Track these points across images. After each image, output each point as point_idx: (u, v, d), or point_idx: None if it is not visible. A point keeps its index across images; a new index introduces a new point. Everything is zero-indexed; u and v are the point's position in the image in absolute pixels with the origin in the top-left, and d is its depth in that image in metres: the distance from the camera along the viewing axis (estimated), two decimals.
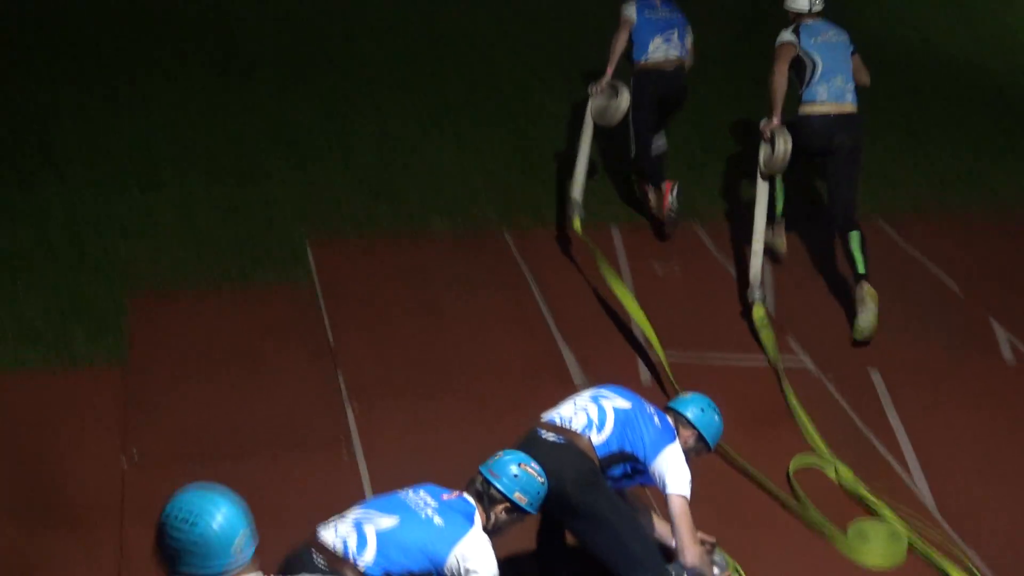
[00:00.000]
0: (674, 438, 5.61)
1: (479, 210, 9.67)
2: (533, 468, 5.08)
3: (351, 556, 4.74)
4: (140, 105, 11.02)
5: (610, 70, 9.15)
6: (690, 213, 9.69)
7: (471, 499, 5.01)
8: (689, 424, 5.72)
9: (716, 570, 5.75)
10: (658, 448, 5.53)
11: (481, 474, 5.06)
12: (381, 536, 4.78)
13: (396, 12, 13.43)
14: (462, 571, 4.77)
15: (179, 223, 9.27)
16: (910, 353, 8.27)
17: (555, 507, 5.37)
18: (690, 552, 5.49)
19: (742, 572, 6.05)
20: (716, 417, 5.78)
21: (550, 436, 5.53)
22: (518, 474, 5.02)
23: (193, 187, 9.74)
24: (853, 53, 8.66)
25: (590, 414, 5.61)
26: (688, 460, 5.62)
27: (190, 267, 8.75)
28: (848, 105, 8.49)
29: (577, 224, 8.95)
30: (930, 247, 9.53)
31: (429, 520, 4.83)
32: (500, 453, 5.14)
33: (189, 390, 7.50)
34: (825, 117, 8.44)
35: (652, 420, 5.63)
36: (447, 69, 12.02)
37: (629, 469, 5.62)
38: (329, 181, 9.94)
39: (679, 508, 5.48)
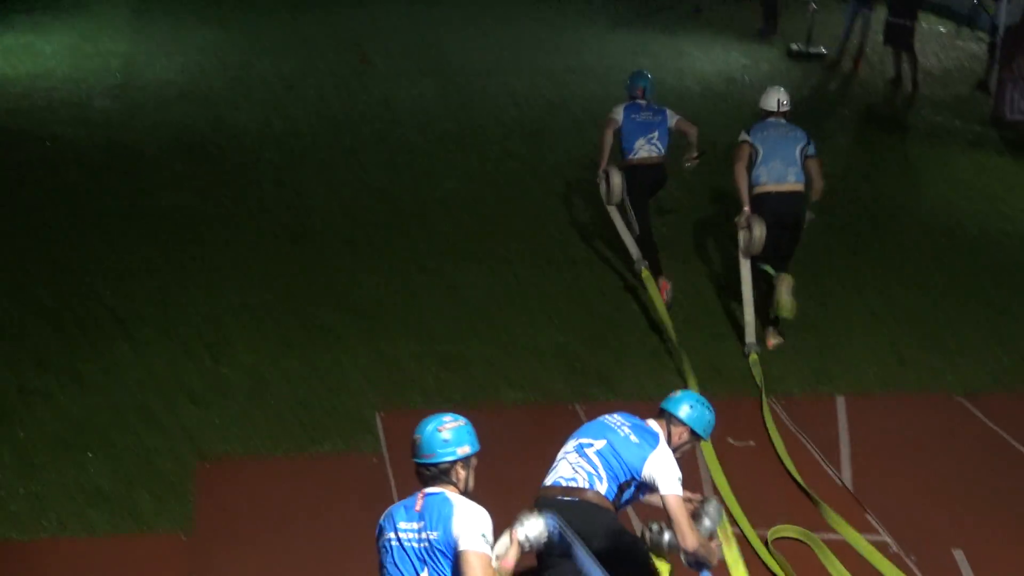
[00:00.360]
0: (655, 443, 6.22)
1: (548, 380, 9.58)
2: (448, 423, 5.36)
3: None
4: (212, 272, 11.19)
5: (602, 163, 11.01)
6: (766, 389, 9.58)
7: (435, 489, 5.29)
8: (680, 422, 6.34)
9: (707, 522, 6.32)
10: (642, 460, 6.15)
11: (420, 464, 5.33)
12: None
13: (467, 184, 13.63)
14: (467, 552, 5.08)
15: (248, 390, 9.27)
16: (995, 532, 7.98)
17: (566, 555, 5.86)
18: (689, 540, 6.07)
19: (728, 529, 6.85)
20: (706, 410, 6.40)
21: (565, 498, 6.09)
22: (447, 437, 5.31)
23: (262, 354, 9.76)
24: (810, 156, 10.09)
25: (587, 468, 6.18)
26: (681, 453, 6.34)
27: (257, 434, 8.71)
28: (787, 184, 9.99)
29: (645, 273, 10.66)
30: (1013, 423, 9.26)
31: (426, 544, 5.17)
32: (416, 437, 5.33)
33: (253, 559, 7.39)
34: (769, 195, 9.95)
35: (628, 440, 6.23)
36: (517, 241, 12.10)
37: (635, 488, 6.23)
38: (398, 350, 9.92)
39: (674, 504, 6.09)
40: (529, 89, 17.60)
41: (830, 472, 8.55)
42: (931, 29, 21.32)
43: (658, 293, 10.48)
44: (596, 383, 9.63)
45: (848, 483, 8.41)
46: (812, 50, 20.25)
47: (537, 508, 5.90)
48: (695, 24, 22.67)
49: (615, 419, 6.40)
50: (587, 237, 12.23)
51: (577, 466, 6.20)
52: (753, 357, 9.89)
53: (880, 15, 19.34)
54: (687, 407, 6.36)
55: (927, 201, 13.85)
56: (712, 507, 6.42)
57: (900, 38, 18.51)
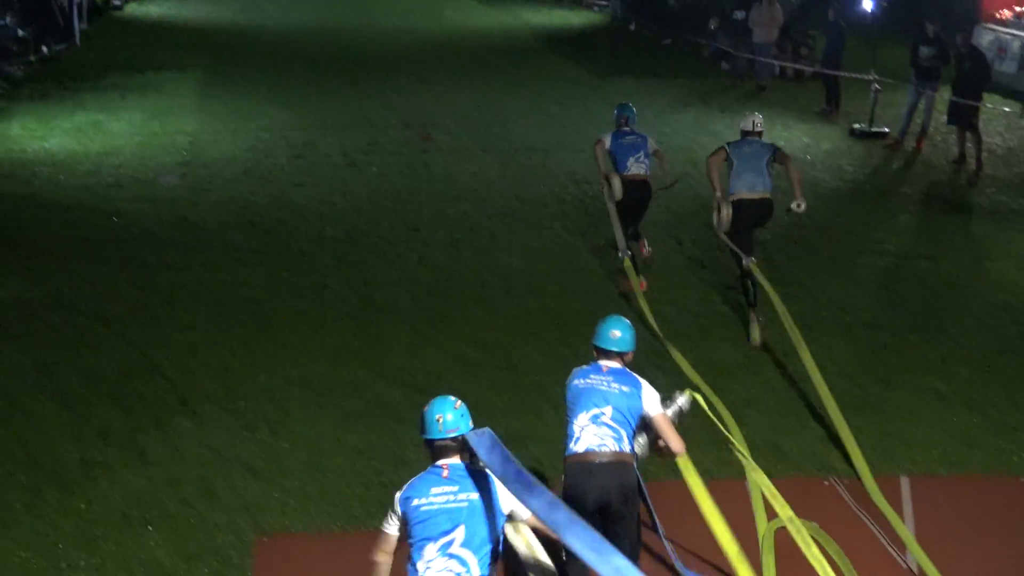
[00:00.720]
0: (637, 382, 7.45)
1: None
2: (456, 403, 6.28)
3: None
4: (272, 347, 11.28)
5: (603, 170, 13.07)
6: (827, 469, 9.46)
7: (454, 459, 6.14)
8: (627, 353, 7.63)
9: (676, 407, 7.76)
10: (639, 400, 7.39)
11: (446, 439, 6.14)
12: (465, 545, 5.98)
13: (526, 261, 13.66)
14: (514, 513, 6.12)
15: (307, 465, 9.28)
16: None
17: (601, 508, 7.24)
18: (677, 443, 7.47)
19: (699, 397, 7.99)
20: (631, 329, 7.69)
21: (602, 460, 7.25)
22: (463, 413, 6.22)
23: (321, 429, 9.79)
24: (774, 158, 12.12)
25: (609, 433, 7.31)
26: None
27: (316, 509, 8.70)
28: (756, 193, 12.08)
29: (627, 263, 12.78)
30: None
31: (464, 504, 6.01)
32: (439, 417, 6.16)
33: None
34: (741, 201, 12.07)
35: (623, 393, 7.38)
36: (576, 317, 12.04)
37: (638, 428, 7.48)
38: None
39: (662, 421, 7.46)
40: (589, 167, 17.63)
41: (895, 555, 8.41)
42: (995, 108, 21.24)
43: (637, 280, 12.62)
44: (659, 466, 9.52)
45: (913, 566, 8.26)
46: (875, 129, 20.25)
47: (578, 473, 7.26)
48: (757, 103, 22.71)
49: (600, 380, 7.46)
50: (647, 316, 12.19)
51: (601, 435, 7.29)
52: (755, 268, 11.89)
53: (944, 95, 19.33)
54: (626, 339, 7.63)
55: (991, 280, 13.73)
56: (681, 397, 7.84)
57: (964, 117, 18.47)
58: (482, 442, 6.01)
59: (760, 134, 12.43)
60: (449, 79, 24.48)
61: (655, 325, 11.77)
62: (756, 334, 11.76)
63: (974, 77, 18.53)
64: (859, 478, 9.30)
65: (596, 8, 34.95)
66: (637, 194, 12.93)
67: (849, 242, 14.87)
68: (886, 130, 20.17)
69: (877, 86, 20.35)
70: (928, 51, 19.21)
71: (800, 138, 20.09)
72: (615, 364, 7.56)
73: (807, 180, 17.21)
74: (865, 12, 22.13)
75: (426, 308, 12.29)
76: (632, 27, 31.44)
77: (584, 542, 5.08)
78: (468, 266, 13.55)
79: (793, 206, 12.11)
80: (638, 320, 11.48)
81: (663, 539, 7.67)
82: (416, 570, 5.97)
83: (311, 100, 22.15)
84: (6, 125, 19.48)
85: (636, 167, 12.85)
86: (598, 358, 7.63)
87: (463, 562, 5.94)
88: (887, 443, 9.91)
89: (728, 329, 12.02)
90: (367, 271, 13.30)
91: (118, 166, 17.27)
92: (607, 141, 13.07)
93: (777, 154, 12.16)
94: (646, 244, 13.51)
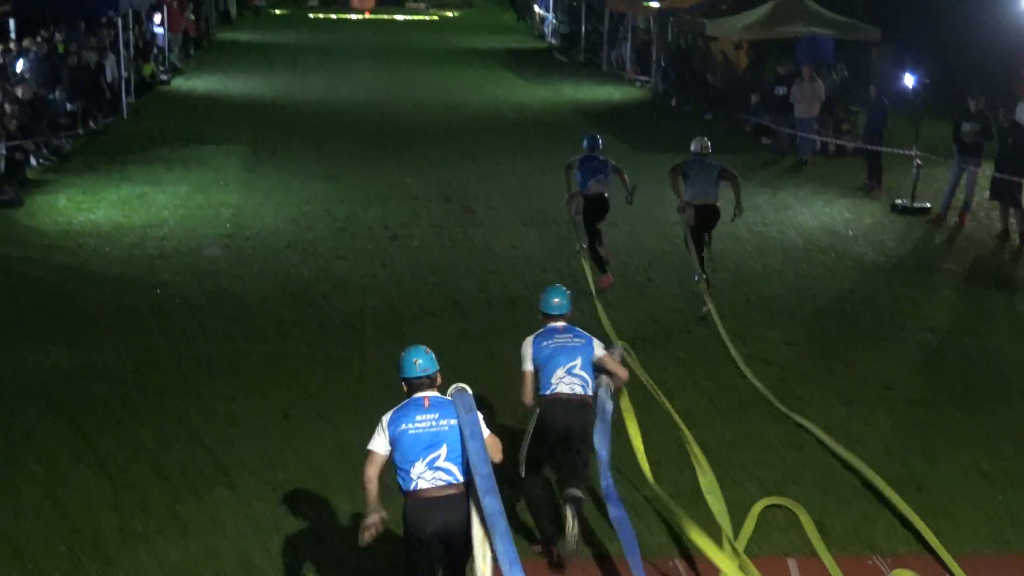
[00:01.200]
0: (588, 336, 9.21)
1: (648, 534, 9.43)
2: (424, 348, 7.71)
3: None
4: (313, 418, 11.30)
5: (569, 190, 15.74)
6: (871, 547, 9.35)
7: (431, 392, 7.57)
8: (569, 312, 9.33)
9: (616, 353, 9.54)
10: (591, 350, 9.13)
11: (421, 377, 7.57)
12: (448, 459, 7.36)
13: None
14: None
15: (347, 537, 9.23)
16: None
17: (565, 439, 8.96)
18: (624, 372, 9.38)
19: (630, 351, 10.54)
20: (568, 295, 9.40)
21: (571, 399, 8.95)
22: (432, 356, 7.66)
23: (362, 501, 9.70)
24: (721, 174, 14.99)
25: (579, 382, 9.00)
26: None
27: None
28: (708, 200, 14.97)
29: (584, 262, 15.69)
30: None
31: (444, 429, 7.37)
32: (415, 360, 7.60)
33: None
34: (694, 206, 14.90)
35: (582, 347, 9.09)
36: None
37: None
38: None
39: (609, 360, 9.24)
40: (631, 240, 17.73)
41: None
42: None
43: (591, 267, 15.61)
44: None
45: None
46: (917, 205, 20.19)
47: (550, 404, 8.95)
48: (799, 178, 22.76)
49: (566, 339, 9.09)
50: (686, 391, 12.13)
51: (572, 382, 8.96)
52: (701, 285, 14.76)
53: (986, 170, 19.29)
54: (560, 301, 9.27)
55: None
56: (617, 348, 9.80)
57: (1007, 193, 18.43)
58: (462, 403, 7.49)
59: (707, 155, 15.10)
60: (491, 153, 24.63)
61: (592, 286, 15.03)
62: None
63: (1017, 152, 18.49)
64: (937, 558, 9.19)
65: (638, 84, 35.12)
66: (596, 207, 15.54)
67: (892, 317, 14.79)
68: (928, 206, 20.12)
69: (919, 161, 20.32)
70: (971, 127, 19.20)
71: (842, 213, 20.06)
72: (562, 323, 9.21)
73: (850, 255, 17.32)
74: (907, 88, 22.16)
75: (466, 380, 12.17)
76: (673, 102, 31.56)
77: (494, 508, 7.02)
78: (509, 339, 13.51)
79: (735, 212, 15.12)
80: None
81: (605, 467, 9.01)
82: (409, 479, 7.30)
83: (354, 173, 22.33)
84: (54, 197, 19.75)
85: (596, 186, 15.50)
86: (546, 322, 9.25)
87: (448, 472, 7.30)
88: (931, 521, 9.76)
89: (769, 406, 11.93)
90: (408, 343, 13.20)
91: (162, 238, 17.46)
92: (575, 163, 15.75)
93: (725, 173, 15.01)
94: (607, 250, 16.11)
